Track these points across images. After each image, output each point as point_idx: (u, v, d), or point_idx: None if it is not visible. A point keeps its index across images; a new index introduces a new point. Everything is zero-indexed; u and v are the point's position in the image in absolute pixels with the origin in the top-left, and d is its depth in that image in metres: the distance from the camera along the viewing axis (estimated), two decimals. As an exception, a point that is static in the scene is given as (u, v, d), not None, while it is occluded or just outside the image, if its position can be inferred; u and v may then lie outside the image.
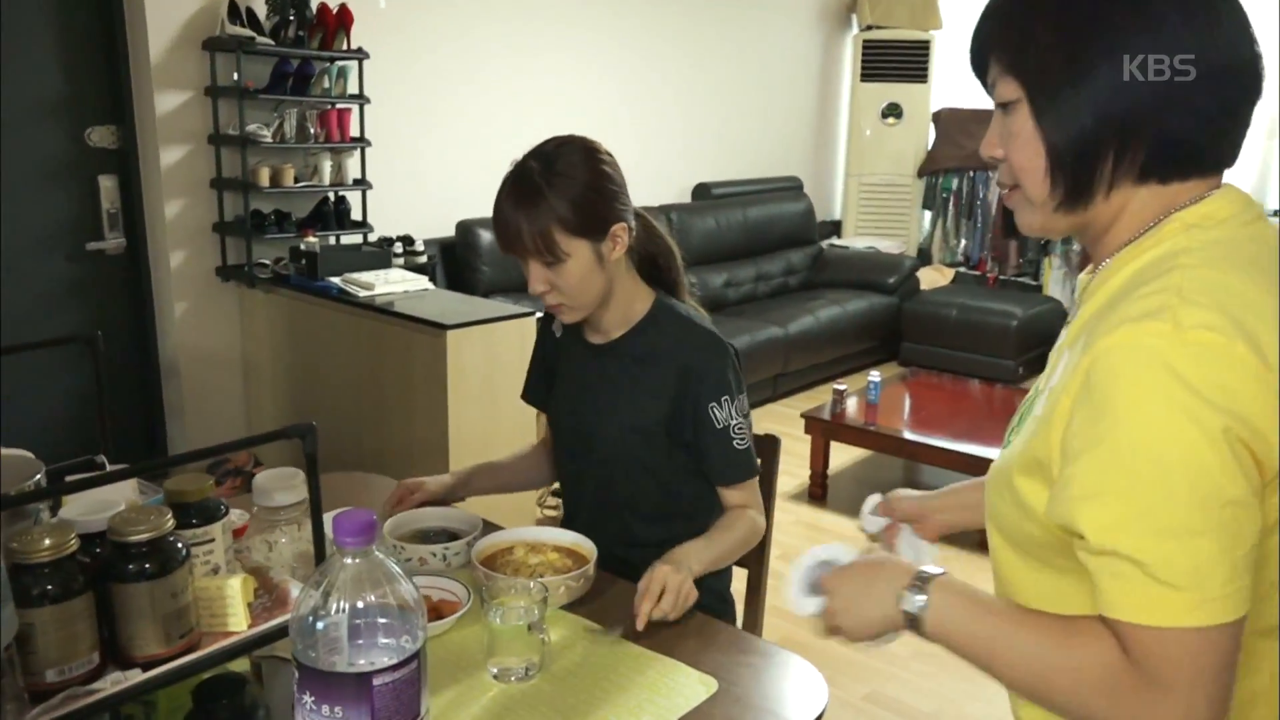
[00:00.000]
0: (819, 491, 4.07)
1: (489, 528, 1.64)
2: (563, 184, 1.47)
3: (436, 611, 1.36)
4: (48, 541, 0.82)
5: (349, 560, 0.82)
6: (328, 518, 1.56)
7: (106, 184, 3.83)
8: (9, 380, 3.54)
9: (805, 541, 3.65)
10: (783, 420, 5.02)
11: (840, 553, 1.10)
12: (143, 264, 3.94)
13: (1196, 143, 0.89)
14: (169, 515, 0.88)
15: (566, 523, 1.72)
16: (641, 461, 1.63)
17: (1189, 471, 0.79)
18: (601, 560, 1.49)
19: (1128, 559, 0.81)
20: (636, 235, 1.58)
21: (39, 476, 0.90)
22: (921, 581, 0.99)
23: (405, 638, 0.89)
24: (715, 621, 1.43)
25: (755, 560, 1.81)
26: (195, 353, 3.99)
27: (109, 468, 1.10)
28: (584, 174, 1.49)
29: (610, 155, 1.57)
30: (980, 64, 0.96)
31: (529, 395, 1.84)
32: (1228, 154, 0.92)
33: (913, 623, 0.99)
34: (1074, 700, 0.87)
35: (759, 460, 1.66)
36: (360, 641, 0.88)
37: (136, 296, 3.98)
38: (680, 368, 1.58)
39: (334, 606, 0.84)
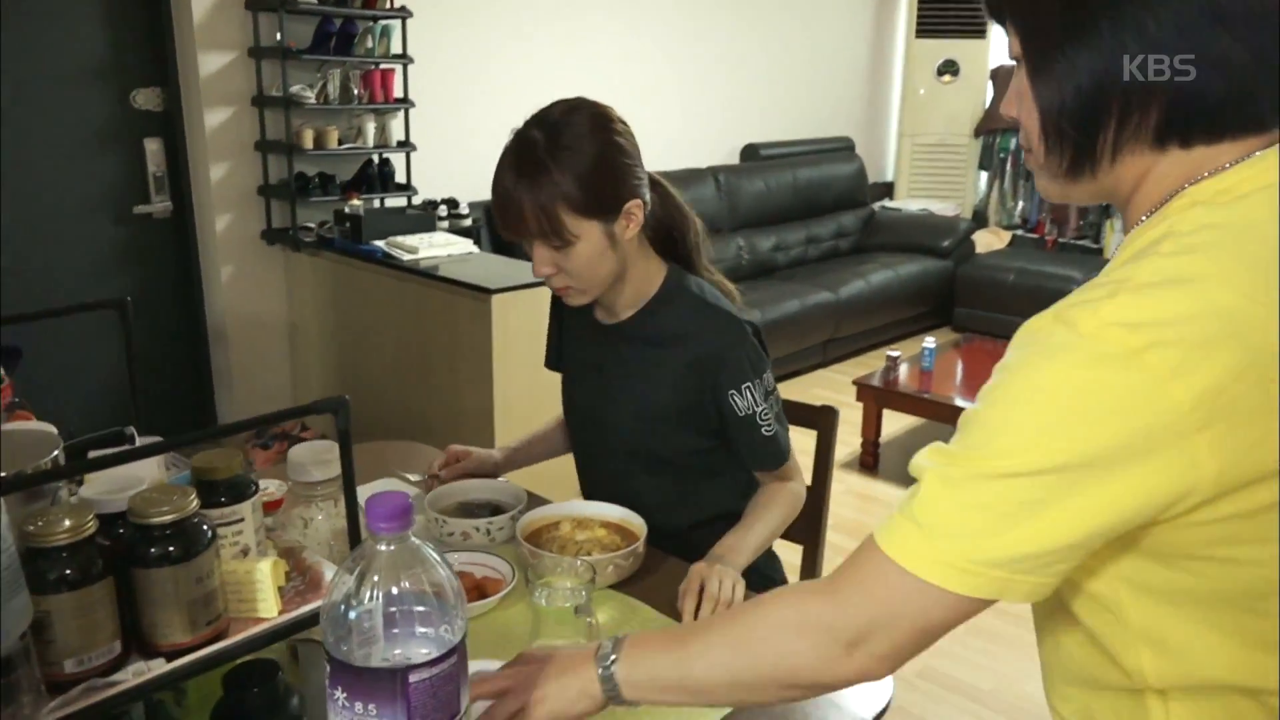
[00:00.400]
0: (870, 460, 3.97)
1: (534, 501, 1.58)
2: (570, 159, 1.30)
3: (480, 589, 1.30)
4: (67, 523, 0.77)
5: (383, 547, 0.76)
6: (367, 492, 1.52)
7: (152, 147, 3.81)
8: (51, 348, 3.56)
9: (857, 512, 3.57)
10: (833, 386, 4.92)
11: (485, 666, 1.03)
12: (189, 228, 3.93)
13: (1220, 98, 0.74)
14: (193, 495, 0.83)
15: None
16: (655, 451, 1.52)
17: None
18: None
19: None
20: (651, 205, 1.44)
21: (57, 453, 0.85)
22: (613, 642, 0.91)
23: (444, 628, 0.82)
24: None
25: (810, 536, 1.74)
26: (242, 318, 3.99)
27: (139, 441, 1.05)
28: (594, 146, 1.33)
29: (624, 123, 1.40)
30: (998, 13, 0.86)
31: (552, 362, 1.73)
32: (1270, 111, 0.75)
33: (610, 688, 0.89)
34: (784, 674, 0.83)
35: (799, 437, 1.56)
36: (396, 631, 0.82)
37: (183, 261, 3.97)
38: (694, 357, 1.45)
39: (368, 595, 0.78)
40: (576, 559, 1.31)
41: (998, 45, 6.52)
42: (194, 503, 0.82)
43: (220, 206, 3.84)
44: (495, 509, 1.53)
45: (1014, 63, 0.85)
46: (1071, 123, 0.78)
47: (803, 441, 1.64)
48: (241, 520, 0.90)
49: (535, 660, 0.94)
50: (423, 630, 0.83)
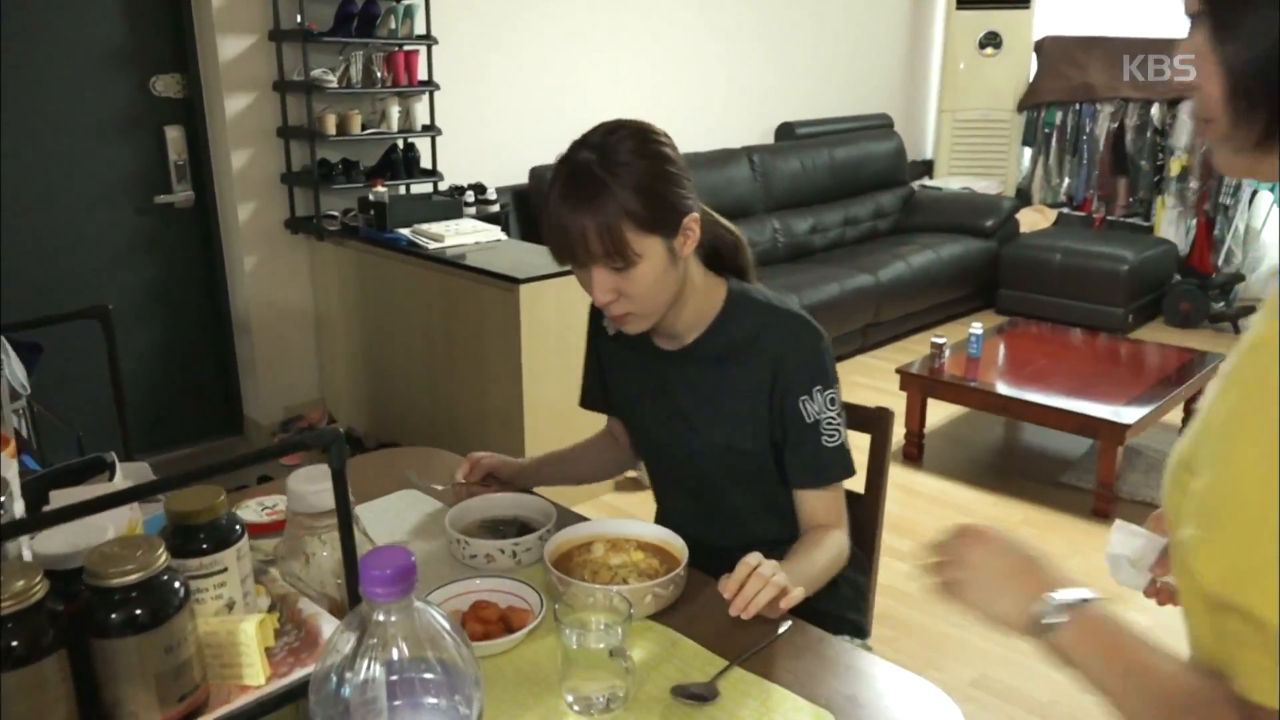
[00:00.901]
0: (915, 452, 3.81)
1: (564, 517, 1.46)
2: (627, 174, 1.25)
3: (505, 622, 1.18)
4: (15, 586, 0.65)
5: (381, 617, 0.63)
6: (384, 507, 1.41)
7: (173, 135, 3.72)
8: (60, 353, 3.48)
9: (901, 507, 3.42)
10: (873, 373, 4.75)
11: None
12: (211, 217, 3.84)
13: None
14: (160, 550, 0.71)
15: (661, 520, 1.53)
16: (742, 473, 1.44)
17: None
18: (701, 564, 1.30)
19: (1253, 618, 0.63)
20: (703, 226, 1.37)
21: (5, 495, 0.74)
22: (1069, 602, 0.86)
23: (459, 700, 0.70)
24: (829, 637, 1.23)
25: (865, 543, 1.61)
26: (266, 309, 3.90)
27: (119, 469, 0.94)
28: (646, 160, 1.28)
29: (668, 136, 1.35)
30: None
31: (590, 401, 1.64)
32: None
33: (1039, 631, 0.88)
34: None
35: (851, 454, 1.43)
36: (398, 703, 0.70)
37: (207, 250, 3.89)
38: (767, 360, 1.38)
39: (365, 667, 0.66)
40: (611, 588, 1.19)
41: (1042, 15, 6.28)
42: (162, 558, 0.70)
43: (243, 195, 3.75)
44: (523, 527, 1.41)
45: (1189, 20, 0.72)
46: (1266, 86, 0.66)
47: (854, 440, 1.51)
48: (224, 570, 0.78)
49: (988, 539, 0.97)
50: (432, 701, 0.71)
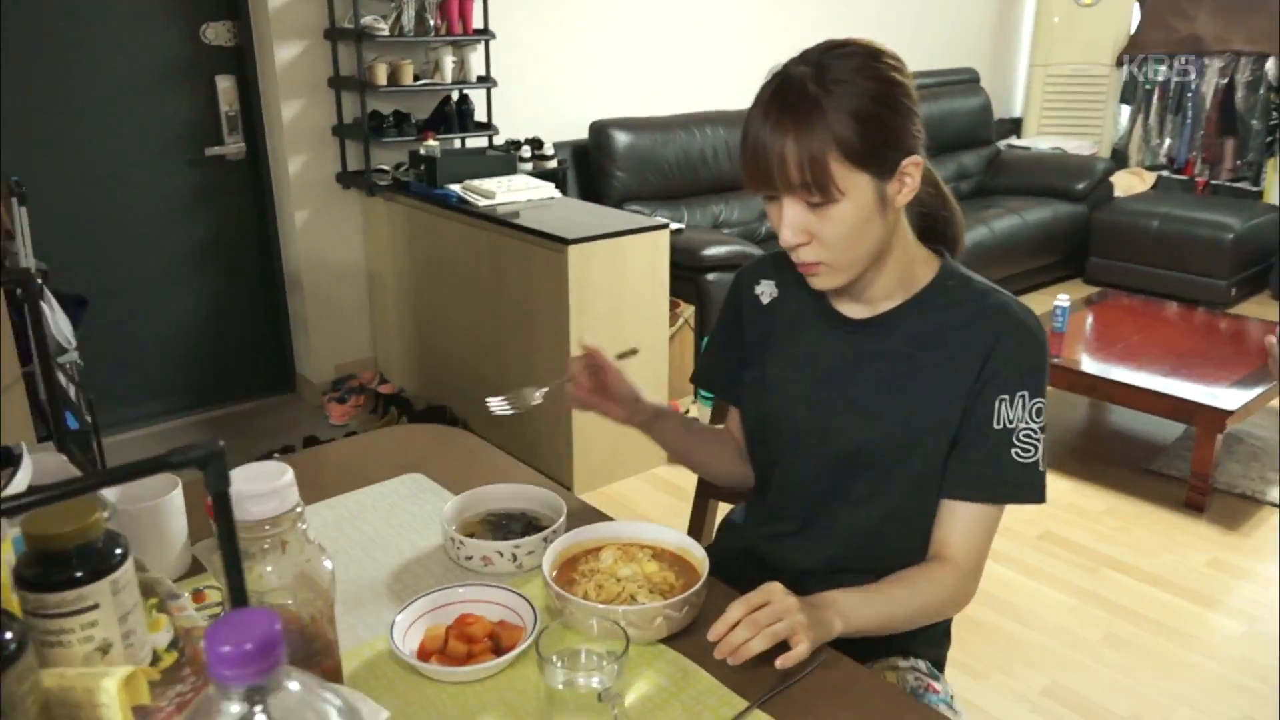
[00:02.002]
0: (989, 431, 3.57)
1: (580, 514, 1.30)
2: (846, 94, 1.06)
3: (493, 640, 1.04)
4: None
5: (235, 709, 0.48)
6: (395, 489, 1.24)
7: (224, 85, 3.63)
8: (104, 312, 3.43)
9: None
10: (948, 345, 4.49)
11: None
12: (263, 169, 3.75)
13: None
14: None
15: (761, 536, 1.32)
16: (915, 475, 1.18)
17: None
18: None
19: None
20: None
21: None
22: None
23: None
24: (875, 674, 1.05)
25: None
26: (318, 264, 3.81)
27: (26, 461, 0.81)
28: (871, 82, 1.08)
29: (901, 61, 1.13)
30: None
31: (706, 379, 1.39)
32: None
33: None
34: None
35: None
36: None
37: (259, 204, 3.81)
38: (979, 351, 1.14)
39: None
40: (615, 607, 1.03)
41: (1148, -38, 5.83)
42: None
43: (294, 147, 3.65)
44: (529, 524, 1.26)
45: None
46: None
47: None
48: (95, 607, 0.63)
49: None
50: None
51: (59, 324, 2.80)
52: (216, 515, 0.56)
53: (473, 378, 3.50)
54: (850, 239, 1.10)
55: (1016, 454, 1.13)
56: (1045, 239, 5.23)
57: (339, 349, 3.96)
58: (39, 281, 2.45)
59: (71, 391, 2.77)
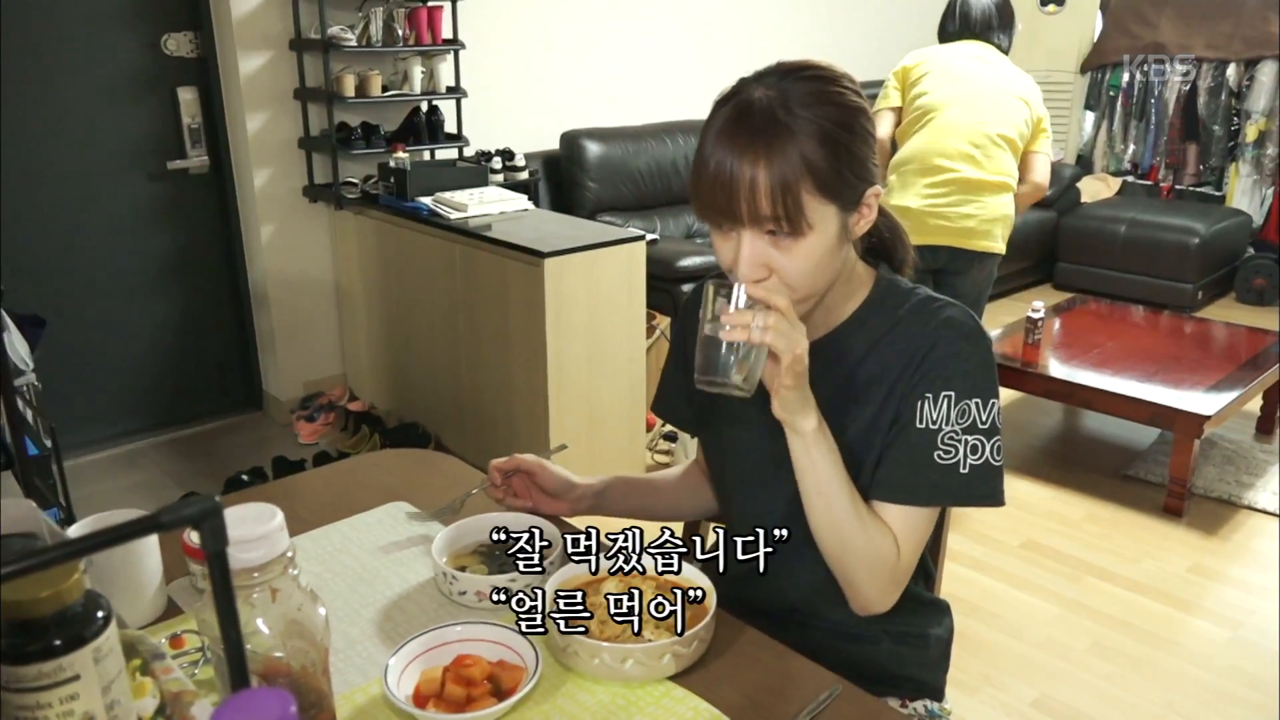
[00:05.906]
0: (967, 439, 3.56)
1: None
2: (814, 120, 1.00)
3: (493, 682, 0.98)
4: None
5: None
6: (365, 523, 1.18)
7: (186, 96, 3.54)
8: (69, 331, 3.33)
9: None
10: (922, 352, 4.49)
11: None
12: (227, 183, 3.67)
13: None
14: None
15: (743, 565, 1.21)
16: (865, 491, 1.12)
17: None
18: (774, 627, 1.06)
19: None
20: None
21: None
22: None
23: None
24: (889, 709, 1.01)
25: (931, 549, 1.38)
26: (285, 279, 3.73)
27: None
28: (835, 110, 1.02)
29: (856, 83, 1.08)
30: None
31: (664, 410, 1.37)
32: None
33: None
34: None
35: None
36: None
37: (223, 218, 3.72)
38: (904, 350, 1.10)
39: None
40: (621, 646, 0.98)
41: (1110, -30, 5.89)
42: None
43: (259, 160, 3.57)
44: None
45: None
46: None
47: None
48: (76, 679, 0.58)
49: None
50: None
51: (15, 345, 2.70)
52: (213, 577, 0.51)
53: (445, 394, 3.44)
54: (812, 274, 1.04)
55: (938, 455, 1.08)
56: (1014, 245, 5.19)
57: (307, 366, 3.87)
58: (-5, 302, 2.36)
59: (29, 416, 2.68)
